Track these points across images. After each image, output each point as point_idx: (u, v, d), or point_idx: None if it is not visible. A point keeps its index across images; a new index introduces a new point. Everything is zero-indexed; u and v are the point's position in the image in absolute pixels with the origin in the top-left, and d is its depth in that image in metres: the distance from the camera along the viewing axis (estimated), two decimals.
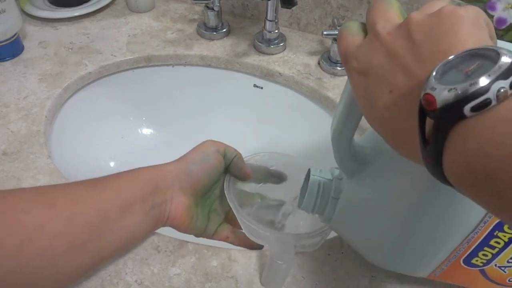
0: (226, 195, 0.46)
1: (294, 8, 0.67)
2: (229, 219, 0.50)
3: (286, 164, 0.53)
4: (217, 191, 0.49)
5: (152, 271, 0.46)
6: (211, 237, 0.48)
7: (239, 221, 0.45)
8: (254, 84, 0.76)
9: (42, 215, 0.35)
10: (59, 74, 0.69)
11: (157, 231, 0.49)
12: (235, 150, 0.48)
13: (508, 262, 0.36)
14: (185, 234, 0.47)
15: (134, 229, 0.41)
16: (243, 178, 0.49)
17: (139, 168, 0.44)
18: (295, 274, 0.47)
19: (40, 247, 0.34)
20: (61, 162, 0.59)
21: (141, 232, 0.43)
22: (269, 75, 0.74)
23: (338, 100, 0.69)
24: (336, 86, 0.71)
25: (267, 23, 0.74)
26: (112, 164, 0.73)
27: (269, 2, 0.71)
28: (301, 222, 0.51)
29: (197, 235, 0.48)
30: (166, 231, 0.50)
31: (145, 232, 0.43)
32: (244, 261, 0.48)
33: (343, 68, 0.72)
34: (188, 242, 0.49)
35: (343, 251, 0.49)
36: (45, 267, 0.35)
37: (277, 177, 0.53)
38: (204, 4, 0.77)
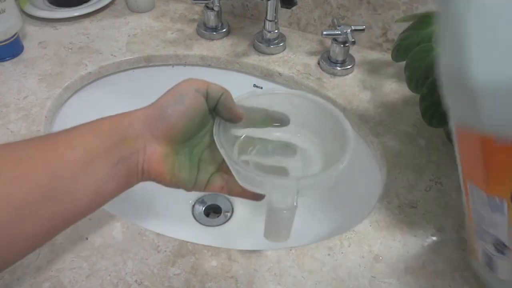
0: (215, 140, 0.40)
1: (294, 8, 0.67)
2: (224, 168, 0.43)
3: (288, 104, 0.46)
4: (206, 138, 0.43)
5: (152, 271, 0.46)
6: (204, 189, 0.42)
7: (230, 168, 0.39)
8: (254, 84, 0.76)
9: None
10: (59, 74, 0.69)
11: (157, 231, 0.49)
12: (222, 88, 0.41)
13: None
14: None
15: (98, 187, 0.36)
16: (233, 120, 0.42)
17: (101, 118, 0.39)
18: (295, 274, 0.47)
19: None
20: None
21: (109, 189, 0.37)
22: (269, 75, 0.74)
23: (338, 100, 0.69)
24: (336, 86, 0.71)
25: (267, 23, 0.74)
26: None
27: (269, 2, 0.71)
28: (309, 166, 0.45)
29: (187, 189, 0.41)
30: (166, 231, 0.50)
31: (114, 189, 0.38)
32: (244, 261, 0.48)
33: (343, 68, 0.72)
34: (188, 242, 0.49)
35: (343, 251, 0.49)
36: None
37: (278, 120, 0.45)
38: (204, 4, 0.77)
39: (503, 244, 0.40)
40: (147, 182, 0.41)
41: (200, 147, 0.42)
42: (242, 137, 0.46)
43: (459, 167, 0.40)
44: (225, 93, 0.41)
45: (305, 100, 0.46)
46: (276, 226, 0.39)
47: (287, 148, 0.46)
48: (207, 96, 0.40)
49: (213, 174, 0.43)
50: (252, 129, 0.46)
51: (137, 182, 0.39)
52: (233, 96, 0.43)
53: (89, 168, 0.35)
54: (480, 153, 0.35)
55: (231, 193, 0.43)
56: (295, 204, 0.37)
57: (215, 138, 0.41)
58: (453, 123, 0.36)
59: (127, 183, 0.39)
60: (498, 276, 0.43)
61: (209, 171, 0.42)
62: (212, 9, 0.76)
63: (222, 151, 0.39)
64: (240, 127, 0.44)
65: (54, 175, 0.34)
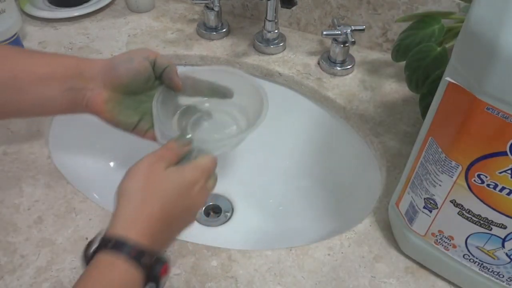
0: (153, 100, 0.49)
1: (294, 8, 0.67)
2: None
3: (234, 80, 0.53)
4: (151, 95, 0.50)
5: None
6: (143, 136, 0.50)
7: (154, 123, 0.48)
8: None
9: None
10: None
11: None
12: (169, 61, 0.49)
13: None
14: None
15: (45, 100, 0.46)
16: (174, 88, 0.50)
17: (73, 56, 0.49)
18: (295, 274, 0.47)
19: None
20: (61, 162, 0.59)
21: (54, 106, 0.46)
22: (269, 75, 0.74)
23: (338, 100, 0.69)
24: (336, 86, 0.71)
25: (267, 23, 0.74)
26: (112, 164, 0.72)
27: (269, 2, 0.71)
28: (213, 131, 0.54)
29: (126, 130, 0.50)
30: None
31: (59, 108, 0.47)
32: (244, 261, 0.48)
33: (343, 68, 0.72)
34: (188, 242, 0.49)
35: (343, 251, 0.49)
36: None
37: (222, 93, 0.52)
38: (204, 4, 0.77)
39: (434, 203, 0.42)
40: None
41: (144, 102, 0.50)
42: (184, 107, 0.54)
43: (427, 122, 0.41)
44: (170, 66, 0.49)
45: (244, 78, 0.54)
46: None
47: (211, 117, 0.54)
48: (154, 65, 0.48)
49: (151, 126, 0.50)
50: (199, 98, 0.54)
51: (81, 111, 0.48)
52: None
53: (45, 84, 0.45)
54: (464, 116, 0.35)
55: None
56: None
57: (154, 99, 0.49)
58: (447, 79, 0.36)
59: (71, 109, 0.48)
60: (411, 228, 0.46)
61: (150, 122, 0.49)
62: (212, 9, 0.76)
63: (154, 111, 0.48)
64: (187, 95, 0.53)
65: (16, 76, 0.44)
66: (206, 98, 0.54)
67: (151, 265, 0.34)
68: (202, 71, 0.55)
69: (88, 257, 0.34)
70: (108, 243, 0.33)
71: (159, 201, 0.37)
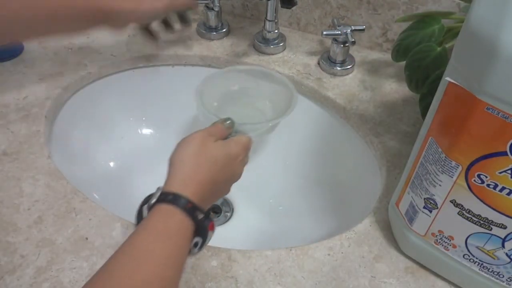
0: (197, 89, 0.61)
1: (294, 8, 0.67)
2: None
3: (267, 78, 0.66)
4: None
5: None
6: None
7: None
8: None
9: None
10: (59, 74, 0.69)
11: None
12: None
13: None
14: None
15: (79, 28, 0.59)
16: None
17: None
18: (295, 274, 0.47)
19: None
20: (61, 162, 0.59)
21: (74, 24, 0.57)
22: None
23: (338, 100, 0.69)
24: (336, 86, 0.71)
25: (267, 23, 0.74)
26: (112, 164, 0.73)
27: (269, 2, 0.71)
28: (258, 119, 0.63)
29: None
30: None
31: (77, 27, 0.59)
32: (244, 261, 0.48)
33: (343, 68, 0.72)
34: None
35: (343, 251, 0.49)
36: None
37: None
38: (204, 4, 0.77)
39: (434, 203, 0.42)
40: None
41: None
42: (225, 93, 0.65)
43: (427, 122, 0.41)
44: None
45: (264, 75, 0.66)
46: None
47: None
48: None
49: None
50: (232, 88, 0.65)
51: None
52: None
53: (76, 20, 0.55)
54: (464, 116, 0.35)
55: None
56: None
57: (198, 86, 0.61)
58: (447, 79, 0.36)
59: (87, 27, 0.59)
60: (411, 228, 0.46)
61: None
62: (212, 9, 0.76)
63: (198, 96, 0.60)
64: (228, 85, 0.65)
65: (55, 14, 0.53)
66: (244, 89, 0.64)
67: (201, 220, 0.39)
68: (239, 69, 0.68)
69: (149, 207, 0.39)
70: (168, 196, 0.38)
71: (210, 168, 0.42)
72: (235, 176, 0.47)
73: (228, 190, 0.47)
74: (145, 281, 0.33)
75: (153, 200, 0.39)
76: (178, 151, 0.43)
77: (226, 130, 0.48)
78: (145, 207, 0.40)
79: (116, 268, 0.34)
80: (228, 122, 0.49)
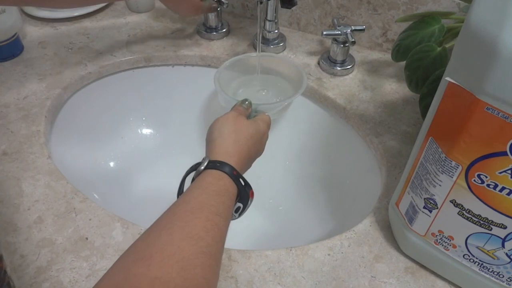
0: (215, 76, 0.66)
1: (294, 8, 0.67)
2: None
3: (278, 62, 0.72)
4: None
5: None
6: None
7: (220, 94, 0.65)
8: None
9: None
10: (59, 74, 0.69)
11: None
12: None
13: None
14: None
15: None
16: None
17: None
18: (295, 274, 0.47)
19: None
20: (61, 162, 0.59)
21: None
22: None
23: (338, 100, 0.69)
24: (336, 86, 0.71)
25: (267, 23, 0.74)
26: (112, 164, 0.73)
27: (269, 2, 0.71)
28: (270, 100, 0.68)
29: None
30: None
31: None
32: (244, 261, 0.48)
33: (343, 68, 0.72)
34: None
35: (343, 251, 0.49)
36: None
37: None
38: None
39: (434, 203, 0.42)
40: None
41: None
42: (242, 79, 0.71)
43: (427, 122, 0.41)
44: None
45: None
46: None
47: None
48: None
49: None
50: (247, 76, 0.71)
51: None
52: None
53: None
54: (464, 116, 0.35)
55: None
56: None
57: (215, 75, 0.66)
58: (447, 79, 0.36)
59: None
60: (411, 228, 0.46)
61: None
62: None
63: (216, 83, 0.65)
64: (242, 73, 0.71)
65: None
66: (257, 74, 0.70)
67: (243, 186, 0.44)
68: (251, 56, 0.71)
69: (198, 173, 0.43)
70: (216, 164, 0.43)
71: (246, 143, 0.48)
72: (261, 151, 0.53)
73: (252, 164, 0.51)
74: (203, 227, 0.36)
75: (202, 167, 0.43)
76: (216, 129, 0.48)
77: (246, 109, 0.55)
78: (188, 178, 0.45)
79: (175, 218, 0.37)
80: (246, 102, 0.56)
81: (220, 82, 0.65)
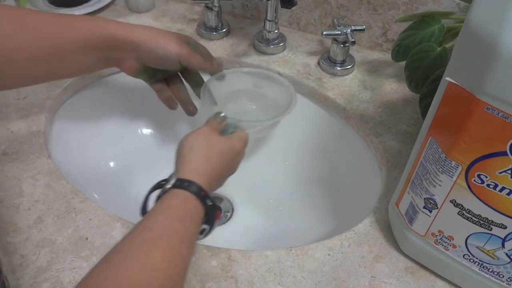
0: (201, 90, 0.62)
1: (294, 8, 0.67)
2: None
3: (268, 80, 0.66)
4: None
5: None
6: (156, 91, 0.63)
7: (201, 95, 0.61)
8: (255, 85, 0.76)
9: (11, 31, 0.45)
10: None
11: None
12: (199, 66, 0.59)
13: None
14: None
15: (82, 66, 0.53)
16: (210, 72, 0.63)
17: (105, 20, 0.53)
18: (295, 274, 0.47)
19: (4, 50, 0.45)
20: (61, 162, 0.59)
21: (88, 70, 0.56)
22: None
23: (338, 100, 0.69)
24: (336, 86, 0.71)
25: (267, 23, 0.74)
26: (112, 164, 0.72)
27: (269, 2, 0.71)
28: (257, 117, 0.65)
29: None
30: None
31: (91, 70, 0.56)
32: (244, 261, 0.48)
33: (343, 68, 0.72)
34: None
35: (343, 251, 0.49)
36: (8, 68, 0.47)
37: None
38: (204, 4, 0.77)
39: (434, 203, 0.42)
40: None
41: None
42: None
43: (427, 122, 0.41)
44: (198, 74, 0.64)
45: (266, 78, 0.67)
46: None
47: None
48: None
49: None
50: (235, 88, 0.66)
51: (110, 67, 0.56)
52: None
53: (84, 54, 0.51)
54: (464, 116, 0.35)
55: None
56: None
57: (201, 88, 0.62)
58: (447, 79, 0.36)
59: (105, 67, 0.56)
60: (411, 228, 0.46)
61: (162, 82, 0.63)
62: (212, 9, 0.76)
63: (201, 95, 0.61)
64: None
65: (59, 49, 0.49)
66: (246, 89, 0.67)
67: (210, 207, 0.42)
68: (242, 71, 0.68)
69: (164, 191, 0.41)
70: (184, 183, 0.41)
71: (218, 161, 0.46)
72: (234, 169, 0.50)
73: (223, 183, 0.50)
74: (165, 258, 0.35)
75: (169, 185, 0.41)
76: (187, 143, 0.46)
77: (220, 123, 0.52)
78: (152, 194, 0.43)
79: (135, 246, 0.35)
80: (221, 115, 0.52)
81: (207, 92, 0.61)
